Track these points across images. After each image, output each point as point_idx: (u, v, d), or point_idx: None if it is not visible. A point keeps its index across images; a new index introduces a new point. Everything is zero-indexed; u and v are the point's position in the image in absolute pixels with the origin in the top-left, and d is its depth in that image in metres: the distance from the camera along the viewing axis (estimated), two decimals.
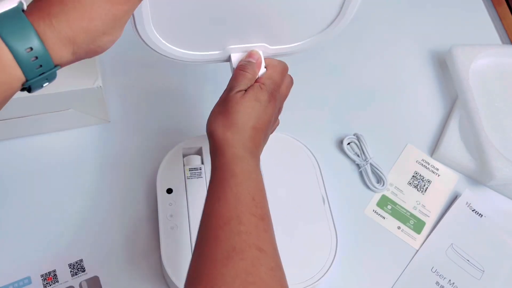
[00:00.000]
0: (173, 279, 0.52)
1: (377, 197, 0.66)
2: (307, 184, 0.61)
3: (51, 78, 0.32)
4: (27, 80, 0.30)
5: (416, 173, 0.68)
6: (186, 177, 0.58)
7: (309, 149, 0.63)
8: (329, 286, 0.58)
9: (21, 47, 0.28)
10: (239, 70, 0.48)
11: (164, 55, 0.48)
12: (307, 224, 0.58)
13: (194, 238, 0.54)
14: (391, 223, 0.64)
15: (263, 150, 0.58)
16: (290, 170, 0.62)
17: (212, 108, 0.49)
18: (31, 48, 0.29)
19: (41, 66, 0.30)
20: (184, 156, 0.61)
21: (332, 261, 0.56)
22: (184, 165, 0.60)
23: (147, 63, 0.74)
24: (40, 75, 0.30)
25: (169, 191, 0.57)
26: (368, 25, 0.84)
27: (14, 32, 0.28)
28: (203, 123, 0.68)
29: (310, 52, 0.79)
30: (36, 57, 0.29)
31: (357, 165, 0.67)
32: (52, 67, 0.31)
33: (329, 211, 0.59)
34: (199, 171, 0.59)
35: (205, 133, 0.61)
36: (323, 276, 0.55)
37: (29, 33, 0.29)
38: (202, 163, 0.60)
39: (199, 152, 0.61)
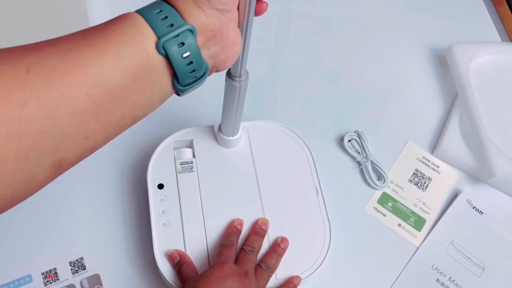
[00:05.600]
0: (167, 275, 0.52)
1: (377, 194, 0.66)
2: (300, 175, 0.60)
3: (191, 49, 0.31)
4: (159, 39, 0.30)
5: (417, 171, 0.68)
6: (178, 172, 0.58)
7: (302, 139, 0.63)
8: (331, 283, 0.59)
9: (151, 10, 0.31)
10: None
11: None
12: (300, 216, 0.58)
13: (187, 234, 0.54)
14: (392, 220, 0.64)
15: (258, 138, 0.62)
16: (283, 160, 0.61)
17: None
18: (161, 10, 0.31)
19: (172, 25, 0.31)
20: (175, 149, 0.60)
21: (326, 253, 0.55)
22: (175, 159, 0.59)
23: None
24: (173, 36, 0.31)
25: (160, 186, 0.57)
26: (368, 24, 0.84)
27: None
28: (194, 116, 0.69)
29: (311, 53, 0.79)
30: (166, 17, 0.31)
31: (358, 162, 0.67)
32: (183, 24, 0.31)
33: (323, 203, 0.58)
34: (190, 165, 0.58)
35: (197, 125, 0.61)
36: (317, 269, 0.55)
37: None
38: (194, 156, 0.59)
39: (190, 145, 0.60)
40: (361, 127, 0.69)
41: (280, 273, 0.54)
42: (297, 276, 0.54)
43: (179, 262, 0.52)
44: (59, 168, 0.29)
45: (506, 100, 0.73)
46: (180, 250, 0.53)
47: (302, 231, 0.57)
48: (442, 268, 0.61)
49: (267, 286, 0.53)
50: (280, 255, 0.55)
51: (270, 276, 0.53)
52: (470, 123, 0.69)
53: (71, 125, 0.28)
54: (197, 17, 0.32)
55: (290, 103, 0.73)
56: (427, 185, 0.68)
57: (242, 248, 0.54)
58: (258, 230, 0.56)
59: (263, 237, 0.55)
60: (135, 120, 0.32)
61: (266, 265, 0.53)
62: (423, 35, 0.83)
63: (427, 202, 0.66)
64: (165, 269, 0.52)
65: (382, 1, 0.87)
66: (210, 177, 0.58)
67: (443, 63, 0.80)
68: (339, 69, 0.78)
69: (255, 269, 0.53)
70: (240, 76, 0.47)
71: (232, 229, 0.55)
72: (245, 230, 0.56)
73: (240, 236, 0.55)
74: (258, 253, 0.54)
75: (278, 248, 0.55)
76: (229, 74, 0.48)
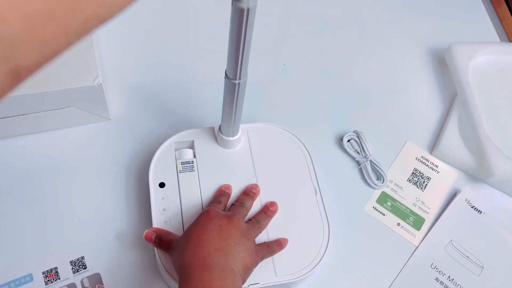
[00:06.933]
0: (167, 272, 0.52)
1: (377, 194, 0.66)
2: (299, 175, 0.61)
3: None
4: None
5: (416, 170, 0.69)
6: (178, 171, 0.59)
7: (300, 140, 0.63)
8: (330, 281, 0.59)
9: None
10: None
11: None
12: (299, 215, 0.58)
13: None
14: (391, 219, 0.64)
15: (257, 140, 0.62)
16: (281, 161, 0.62)
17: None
18: None
19: None
20: (176, 150, 0.61)
21: (325, 250, 0.56)
22: (176, 159, 0.60)
23: (146, 61, 0.74)
24: None
25: (162, 185, 0.58)
26: (368, 24, 0.84)
27: None
28: (195, 118, 0.69)
29: (311, 53, 0.80)
30: None
31: (357, 162, 0.68)
32: None
33: (322, 202, 0.59)
34: (191, 164, 0.59)
35: (197, 127, 0.62)
36: (315, 266, 0.55)
37: None
38: (194, 156, 0.60)
39: (191, 146, 0.61)
40: (360, 127, 0.70)
41: (279, 270, 0.54)
42: (284, 239, 0.56)
43: (156, 236, 0.53)
44: (18, 75, 0.27)
45: (505, 100, 0.74)
46: (153, 227, 0.54)
47: (301, 229, 0.57)
48: (441, 267, 0.61)
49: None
50: (269, 216, 0.57)
51: (260, 231, 0.55)
52: (469, 123, 0.69)
53: (23, 30, 0.25)
54: None
55: (290, 103, 0.73)
56: (426, 184, 0.68)
57: (232, 204, 0.56)
58: (247, 192, 0.58)
59: (253, 198, 0.57)
60: (100, 21, 0.28)
61: (256, 220, 0.55)
62: (422, 35, 0.84)
63: (426, 201, 0.66)
64: (167, 267, 0.52)
65: (381, 1, 0.87)
66: (210, 177, 0.59)
67: (442, 63, 0.80)
68: (339, 69, 0.78)
69: (246, 222, 0.54)
70: None
71: (220, 192, 0.57)
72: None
73: (228, 200, 0.57)
74: (248, 210, 0.56)
75: (267, 210, 0.57)
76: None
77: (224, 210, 0.56)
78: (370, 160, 0.67)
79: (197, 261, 0.45)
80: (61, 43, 0.27)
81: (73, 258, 0.56)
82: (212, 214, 0.50)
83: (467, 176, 0.69)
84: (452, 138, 0.69)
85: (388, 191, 0.67)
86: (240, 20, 0.41)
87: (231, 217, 0.51)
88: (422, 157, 0.70)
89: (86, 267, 0.56)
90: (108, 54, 0.72)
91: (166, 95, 0.71)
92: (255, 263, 0.51)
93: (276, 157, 0.62)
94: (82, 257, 0.57)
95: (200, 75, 0.74)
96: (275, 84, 0.75)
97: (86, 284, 0.55)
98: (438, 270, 0.61)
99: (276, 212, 0.57)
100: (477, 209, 0.66)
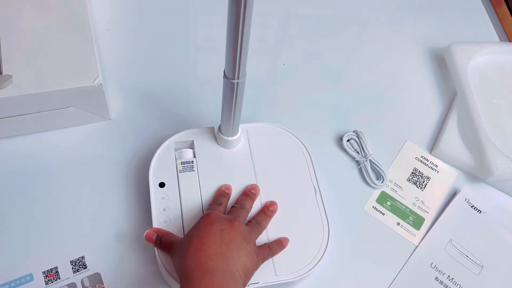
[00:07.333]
0: (167, 272, 0.52)
1: (376, 193, 0.66)
2: (299, 175, 0.61)
3: None
4: None
5: (415, 170, 0.69)
6: (178, 171, 0.59)
7: (300, 140, 0.64)
8: (330, 281, 0.59)
9: None
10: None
11: None
12: (299, 214, 0.58)
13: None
14: (391, 219, 0.65)
15: (257, 140, 0.63)
16: (281, 161, 0.62)
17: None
18: None
19: None
20: (176, 150, 0.61)
21: (325, 250, 0.56)
22: (176, 159, 0.60)
23: (147, 61, 0.74)
24: None
25: (162, 185, 0.58)
26: (368, 24, 0.84)
27: None
28: (195, 118, 0.69)
29: (311, 53, 0.80)
30: None
31: (357, 161, 0.68)
32: None
33: (321, 202, 0.59)
34: (191, 164, 0.60)
35: (197, 127, 0.62)
36: (315, 266, 0.55)
37: None
38: (194, 156, 0.60)
39: (191, 146, 0.62)
40: (360, 126, 0.70)
41: (279, 269, 0.54)
42: (285, 238, 0.56)
43: (157, 237, 0.53)
44: None
45: (505, 100, 0.74)
46: (153, 228, 0.54)
47: (301, 229, 0.57)
48: (441, 266, 0.61)
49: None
50: (269, 216, 0.57)
51: (260, 232, 0.55)
52: (468, 123, 0.69)
53: None
54: None
55: (289, 103, 0.73)
56: (426, 184, 0.68)
57: (232, 206, 0.56)
58: (247, 193, 0.58)
59: (253, 199, 0.57)
60: None
61: (256, 221, 0.55)
62: (422, 35, 0.84)
63: (426, 201, 0.66)
64: (167, 266, 0.53)
65: (381, 1, 0.87)
66: (210, 176, 0.59)
67: (441, 63, 0.80)
68: (338, 69, 0.78)
69: (247, 224, 0.55)
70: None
71: (220, 192, 0.57)
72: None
73: (229, 201, 0.57)
74: (248, 212, 0.56)
75: (267, 210, 0.57)
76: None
77: (224, 211, 0.56)
78: (370, 160, 0.67)
79: (198, 265, 0.46)
80: None
81: (73, 257, 0.57)
82: (213, 218, 0.50)
83: (467, 176, 0.69)
84: (451, 137, 0.69)
85: (387, 190, 0.67)
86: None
87: (233, 221, 0.51)
88: (421, 156, 0.70)
89: (86, 267, 0.56)
90: (108, 54, 0.72)
91: (166, 95, 0.71)
92: (256, 267, 0.51)
93: (276, 156, 0.62)
94: (82, 257, 0.57)
95: (200, 75, 0.74)
96: (275, 84, 0.75)
97: (87, 283, 0.55)
98: (438, 270, 0.61)
99: (276, 211, 0.57)
100: (476, 209, 0.66)
